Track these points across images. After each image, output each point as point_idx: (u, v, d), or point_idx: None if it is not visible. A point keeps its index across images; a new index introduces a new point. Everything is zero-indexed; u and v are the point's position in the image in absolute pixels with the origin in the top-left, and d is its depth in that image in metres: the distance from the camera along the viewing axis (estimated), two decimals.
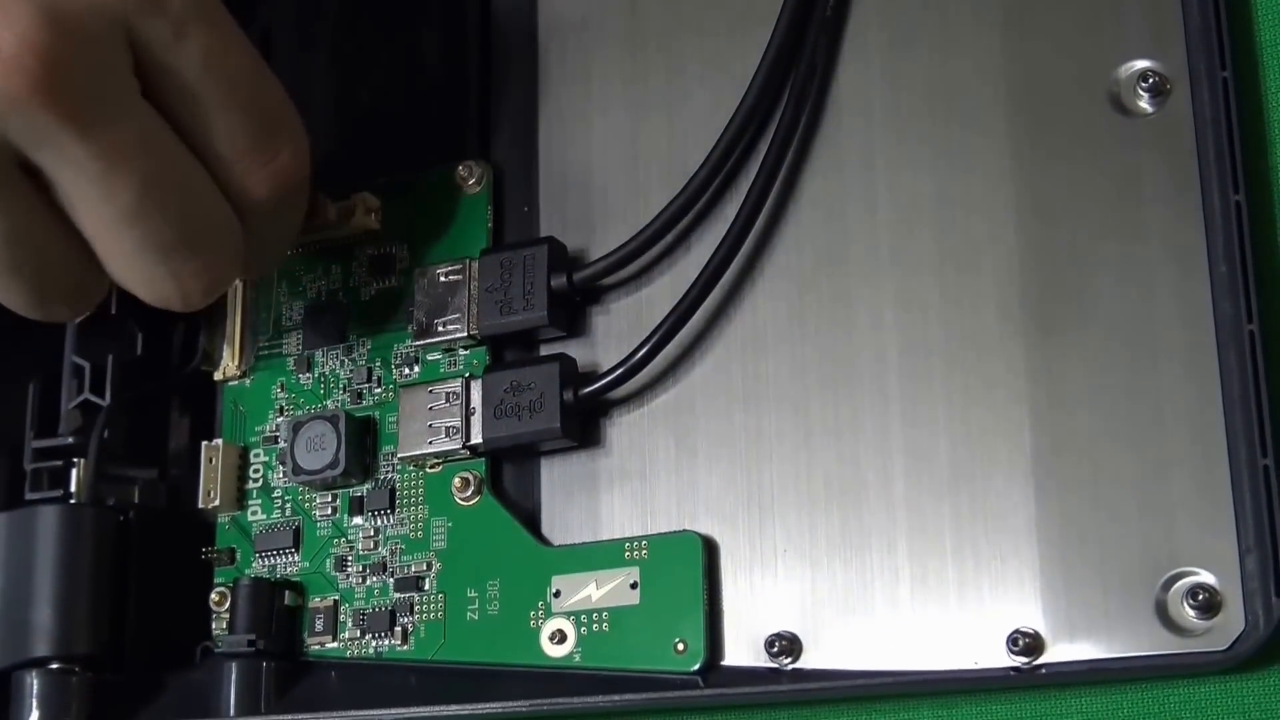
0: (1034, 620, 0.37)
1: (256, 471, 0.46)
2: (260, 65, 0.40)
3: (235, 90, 0.39)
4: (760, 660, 0.40)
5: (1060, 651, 0.37)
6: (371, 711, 0.42)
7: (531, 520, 0.43)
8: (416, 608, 0.43)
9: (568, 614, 0.41)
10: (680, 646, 0.40)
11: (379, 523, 0.44)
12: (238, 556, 0.46)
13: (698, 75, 0.44)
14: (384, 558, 0.44)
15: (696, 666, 0.40)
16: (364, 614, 0.44)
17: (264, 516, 0.46)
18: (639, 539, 0.41)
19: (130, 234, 0.38)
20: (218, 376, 0.47)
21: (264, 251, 0.43)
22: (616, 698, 0.40)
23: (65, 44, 0.36)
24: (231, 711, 0.44)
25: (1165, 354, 0.38)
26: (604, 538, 0.42)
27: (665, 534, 0.41)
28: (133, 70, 0.38)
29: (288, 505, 0.46)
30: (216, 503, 0.46)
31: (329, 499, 0.45)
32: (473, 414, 0.43)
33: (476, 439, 0.43)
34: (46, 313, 0.41)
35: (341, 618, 0.44)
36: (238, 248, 0.40)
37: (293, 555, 0.45)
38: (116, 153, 0.37)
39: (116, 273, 0.40)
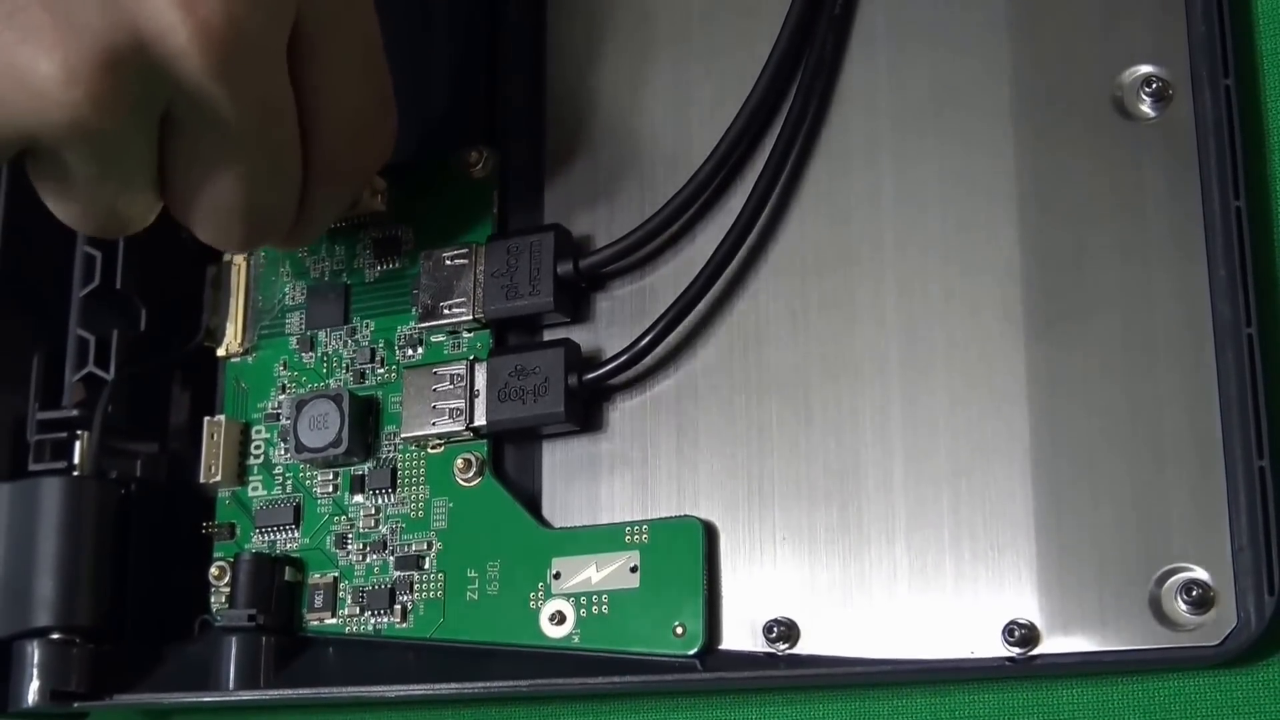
0: (1030, 612, 0.38)
1: (258, 448, 0.47)
2: (381, 44, 0.41)
3: (369, 68, 0.41)
4: (758, 645, 0.40)
5: (1055, 643, 0.38)
6: (370, 688, 0.43)
7: (532, 502, 0.44)
8: (416, 586, 0.44)
9: (567, 596, 0.42)
10: (679, 630, 0.40)
11: (380, 501, 0.45)
12: (238, 531, 0.46)
13: (706, 66, 0.45)
14: (384, 536, 0.44)
15: (695, 650, 0.40)
16: (364, 591, 0.44)
17: (264, 492, 0.46)
18: (640, 523, 0.42)
19: (234, 192, 0.39)
20: (221, 352, 0.48)
21: (322, 221, 0.43)
22: (615, 679, 0.41)
23: (252, 24, 0.36)
24: (230, 685, 0.44)
25: (1164, 355, 0.38)
26: (604, 521, 0.43)
27: (666, 518, 0.42)
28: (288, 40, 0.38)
29: (288, 482, 0.46)
30: (218, 478, 0.46)
31: (330, 476, 0.46)
32: (476, 396, 0.44)
33: (480, 421, 0.43)
34: (92, 233, 0.41)
35: (341, 594, 0.45)
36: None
37: (293, 531, 0.46)
38: (261, 122, 0.38)
39: (190, 214, 0.40)
